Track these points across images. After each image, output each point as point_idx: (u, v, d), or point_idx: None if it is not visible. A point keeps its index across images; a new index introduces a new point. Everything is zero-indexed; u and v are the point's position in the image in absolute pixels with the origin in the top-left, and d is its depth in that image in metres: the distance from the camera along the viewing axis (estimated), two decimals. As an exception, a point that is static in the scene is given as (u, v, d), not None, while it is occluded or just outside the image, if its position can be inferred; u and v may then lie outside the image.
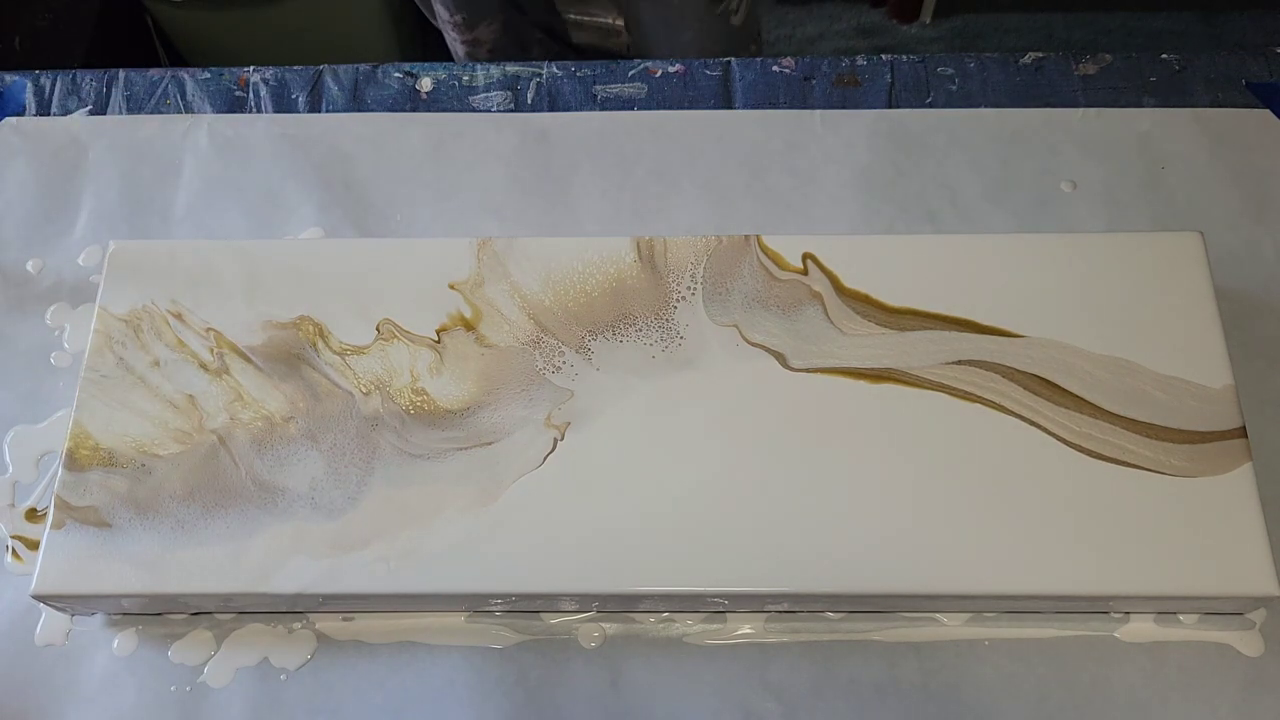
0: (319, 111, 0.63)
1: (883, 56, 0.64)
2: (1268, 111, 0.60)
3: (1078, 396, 0.48)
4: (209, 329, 0.51)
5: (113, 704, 0.48)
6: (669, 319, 0.50)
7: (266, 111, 0.63)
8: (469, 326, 0.50)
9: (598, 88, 0.63)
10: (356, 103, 0.63)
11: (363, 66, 0.64)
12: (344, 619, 0.49)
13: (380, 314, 0.51)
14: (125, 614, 0.50)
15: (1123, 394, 0.48)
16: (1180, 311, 0.49)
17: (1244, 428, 0.47)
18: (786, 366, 0.49)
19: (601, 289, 0.51)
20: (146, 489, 0.47)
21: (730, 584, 0.45)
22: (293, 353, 0.50)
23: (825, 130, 0.61)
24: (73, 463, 0.48)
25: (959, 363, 0.49)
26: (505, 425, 0.48)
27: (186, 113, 0.63)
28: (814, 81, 0.63)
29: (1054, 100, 0.62)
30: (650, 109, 0.62)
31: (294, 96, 0.63)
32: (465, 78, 0.64)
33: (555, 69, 0.64)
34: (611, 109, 0.63)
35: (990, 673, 0.47)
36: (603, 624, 0.49)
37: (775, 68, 0.63)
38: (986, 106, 0.61)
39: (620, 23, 0.90)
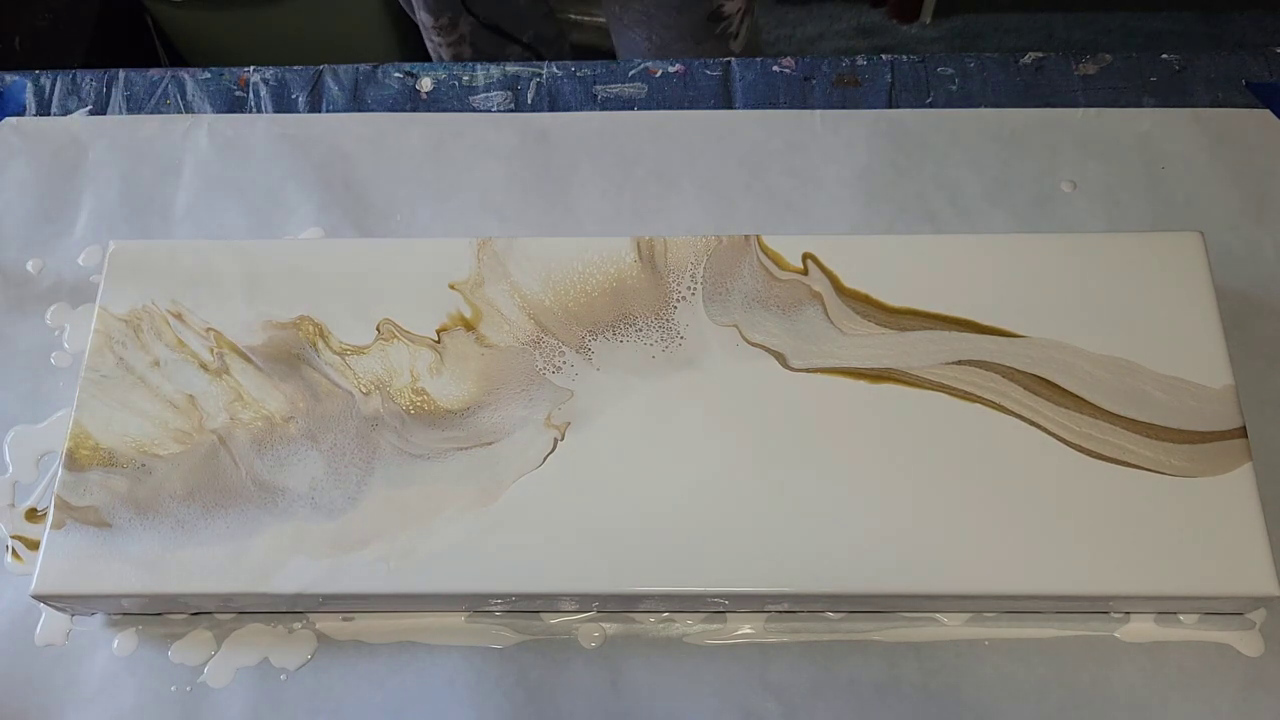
0: (319, 111, 0.63)
1: (883, 56, 0.64)
2: (1268, 111, 0.60)
3: (1078, 396, 0.48)
4: (209, 329, 0.51)
5: (113, 704, 0.48)
6: (669, 319, 0.50)
7: (266, 111, 0.63)
8: (469, 326, 0.50)
9: (598, 88, 0.63)
10: (356, 103, 0.63)
11: (363, 66, 0.64)
12: (344, 619, 0.49)
13: (380, 314, 0.51)
14: (125, 614, 0.50)
15: (1123, 394, 0.48)
16: (1180, 311, 0.49)
17: (1244, 428, 0.47)
18: (786, 366, 0.49)
19: (601, 289, 0.51)
20: (146, 489, 0.47)
21: (730, 584, 0.45)
22: (293, 353, 0.50)
23: (825, 130, 0.61)
24: (73, 463, 0.48)
25: (959, 363, 0.49)
26: (505, 425, 0.48)
27: (186, 113, 0.63)
28: (814, 81, 0.63)
29: (1054, 100, 0.62)
30: (650, 109, 0.62)
31: (294, 96, 0.63)
32: (465, 78, 0.64)
33: (555, 69, 0.64)
34: (611, 109, 0.63)
35: (990, 673, 0.47)
36: (603, 624, 0.49)
37: (775, 68, 0.63)
38: (986, 106, 0.61)
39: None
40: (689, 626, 0.49)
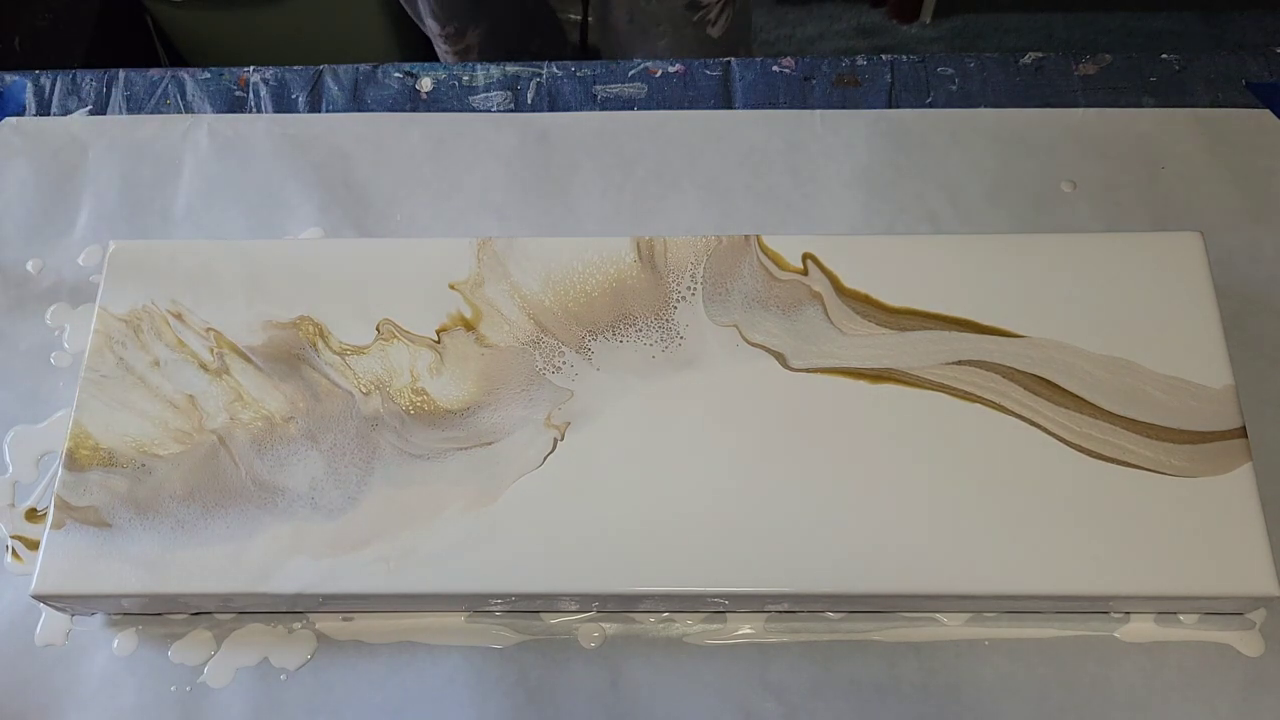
0: (319, 111, 0.63)
1: (883, 56, 0.64)
2: (1268, 111, 0.60)
3: (1078, 396, 0.48)
4: (209, 329, 0.51)
5: (113, 704, 0.48)
6: (669, 319, 0.50)
7: (266, 111, 0.63)
8: (469, 326, 0.50)
9: (598, 88, 0.63)
10: (356, 103, 0.63)
11: (363, 66, 0.64)
12: (344, 619, 0.49)
13: (380, 314, 0.51)
14: (125, 614, 0.50)
15: (1123, 394, 0.48)
16: (1180, 311, 0.49)
17: (1244, 428, 0.47)
18: (786, 366, 0.49)
19: (601, 289, 0.51)
20: (146, 489, 0.47)
21: (730, 584, 0.45)
22: (293, 353, 0.50)
23: (825, 130, 0.61)
24: (73, 463, 0.48)
25: (959, 363, 0.49)
26: (505, 425, 0.48)
27: (186, 113, 0.63)
28: (814, 81, 0.63)
29: (1054, 100, 0.62)
30: (650, 109, 0.62)
31: (294, 96, 0.63)
32: (465, 78, 0.64)
33: (555, 69, 0.64)
34: (611, 109, 0.63)
35: (990, 673, 0.47)
36: (603, 624, 0.49)
37: (775, 68, 0.63)
38: (986, 106, 0.61)
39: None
40: (689, 626, 0.49)
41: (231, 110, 0.63)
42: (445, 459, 0.47)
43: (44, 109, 0.64)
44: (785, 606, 0.48)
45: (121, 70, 0.65)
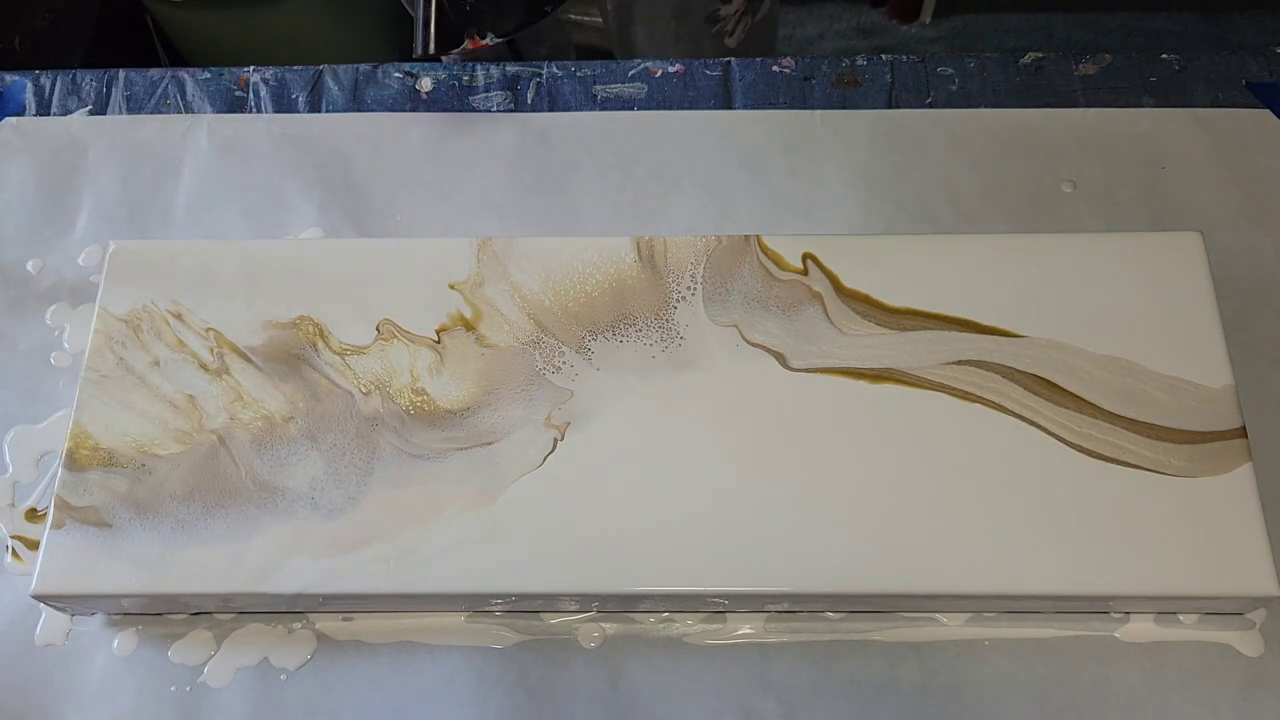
0: (319, 111, 0.63)
1: (883, 56, 0.64)
2: (1268, 111, 0.60)
3: (1078, 396, 0.48)
4: (209, 329, 0.51)
5: (113, 704, 0.48)
6: (669, 319, 0.50)
7: (266, 111, 0.63)
8: (469, 326, 0.50)
9: (598, 88, 0.63)
10: (356, 103, 0.63)
11: (363, 66, 0.64)
12: (344, 619, 0.49)
13: (380, 314, 0.51)
14: (125, 614, 0.50)
15: (1123, 394, 0.48)
16: (1180, 311, 0.49)
17: (1244, 428, 0.47)
18: (786, 366, 0.49)
19: (601, 289, 0.51)
20: (146, 489, 0.47)
21: (730, 584, 0.45)
22: (293, 353, 0.50)
23: (825, 130, 0.61)
24: (73, 463, 0.48)
25: (959, 363, 0.49)
26: (505, 425, 0.48)
27: (186, 113, 0.63)
28: (814, 81, 0.63)
29: (1054, 100, 0.62)
30: (650, 109, 0.62)
31: (294, 96, 0.63)
32: (465, 78, 0.64)
33: (555, 69, 0.64)
34: (611, 109, 0.63)
35: (990, 673, 0.47)
36: (603, 624, 0.49)
37: (775, 68, 0.63)
38: (986, 106, 0.61)
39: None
40: (689, 626, 0.49)
41: (231, 110, 0.63)
42: (445, 459, 0.47)
43: (44, 109, 0.64)
44: (785, 606, 0.48)
45: (121, 70, 0.65)
